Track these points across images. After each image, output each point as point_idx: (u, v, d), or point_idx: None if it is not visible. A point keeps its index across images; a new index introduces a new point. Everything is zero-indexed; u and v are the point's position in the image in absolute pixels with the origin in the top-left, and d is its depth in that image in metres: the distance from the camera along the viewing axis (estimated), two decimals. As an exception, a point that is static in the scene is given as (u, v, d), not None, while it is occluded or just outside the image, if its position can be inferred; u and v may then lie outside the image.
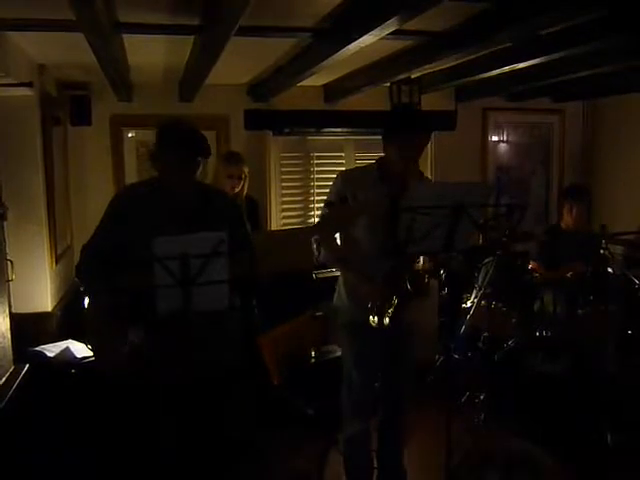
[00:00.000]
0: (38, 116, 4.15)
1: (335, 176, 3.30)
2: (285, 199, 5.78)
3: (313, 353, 4.47)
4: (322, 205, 2.72)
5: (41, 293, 4.23)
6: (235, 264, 2.33)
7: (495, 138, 6.35)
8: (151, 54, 3.99)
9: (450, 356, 4.41)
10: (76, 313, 4.29)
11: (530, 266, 4.74)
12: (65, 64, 4.33)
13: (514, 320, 4.53)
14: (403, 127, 3.02)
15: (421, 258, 3.30)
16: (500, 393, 4.37)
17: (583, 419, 3.97)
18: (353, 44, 3.13)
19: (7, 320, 3.22)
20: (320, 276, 5.22)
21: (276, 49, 3.92)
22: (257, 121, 5.49)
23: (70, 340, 4.07)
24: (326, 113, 5.64)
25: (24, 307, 4.01)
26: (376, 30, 2.87)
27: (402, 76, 4.54)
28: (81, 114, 4.89)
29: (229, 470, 3.20)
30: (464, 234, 2.73)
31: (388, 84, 4.88)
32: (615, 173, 6.18)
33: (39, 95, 4.18)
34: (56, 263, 4.43)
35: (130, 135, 5.34)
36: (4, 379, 3.10)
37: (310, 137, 5.78)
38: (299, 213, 5.85)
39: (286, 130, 5.61)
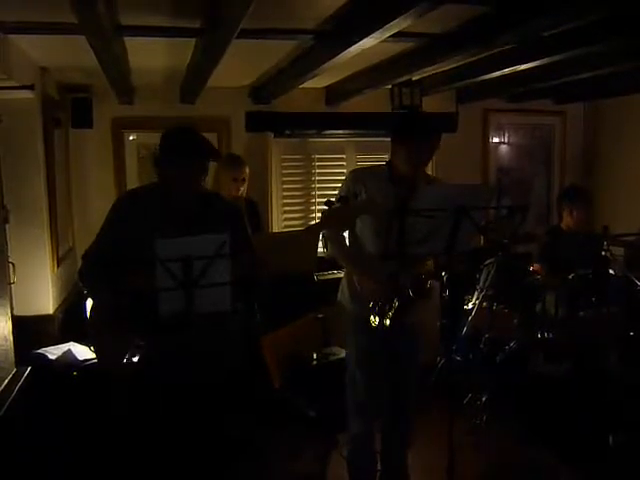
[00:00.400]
0: (40, 119, 4.16)
1: (339, 177, 3.30)
2: (286, 201, 5.79)
3: (314, 355, 4.47)
4: (324, 205, 2.72)
5: (43, 296, 4.24)
6: (237, 266, 2.33)
7: (496, 140, 6.36)
8: (152, 57, 4.00)
9: (452, 358, 4.40)
10: (78, 315, 4.29)
11: (532, 269, 4.74)
12: (67, 67, 4.34)
13: (516, 322, 4.53)
14: (417, 133, 2.99)
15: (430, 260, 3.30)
16: (502, 395, 4.36)
17: (585, 420, 3.96)
18: (354, 46, 3.14)
19: (9, 323, 3.23)
20: (321, 278, 5.23)
21: (277, 51, 3.92)
22: (258, 123, 5.50)
23: (72, 342, 4.07)
24: (327, 115, 5.65)
25: (26, 310, 4.02)
26: (377, 32, 2.87)
27: (403, 78, 4.55)
28: (82, 117, 4.90)
29: (229, 471, 3.21)
30: (466, 236, 2.74)
31: (389, 86, 4.88)
32: (616, 174, 6.18)
33: (41, 98, 4.18)
34: (58, 266, 4.43)
35: (131, 138, 5.35)
36: (6, 382, 3.10)
37: (311, 139, 5.79)
38: (300, 215, 5.85)
39: (287, 132, 5.62)
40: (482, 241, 5.36)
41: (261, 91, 5.25)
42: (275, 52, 3.95)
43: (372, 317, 3.00)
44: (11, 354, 3.24)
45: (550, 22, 2.89)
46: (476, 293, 4.75)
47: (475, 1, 2.94)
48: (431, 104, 5.23)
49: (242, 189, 4.40)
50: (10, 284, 3.33)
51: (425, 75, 4.59)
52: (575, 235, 4.63)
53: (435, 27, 3.36)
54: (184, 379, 2.67)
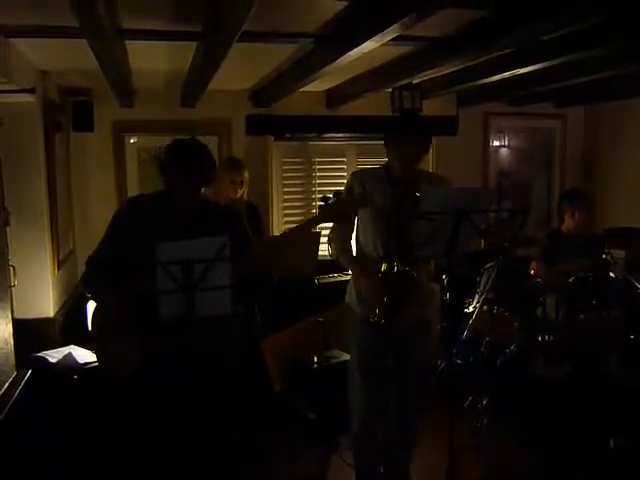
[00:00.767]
0: (41, 122, 4.17)
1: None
2: (287, 204, 5.80)
3: (315, 358, 4.47)
4: (320, 201, 2.77)
5: (43, 299, 4.24)
6: (237, 269, 2.33)
7: (497, 143, 6.36)
8: (153, 60, 4.00)
9: (452, 361, 4.40)
10: (78, 319, 4.29)
11: (533, 272, 4.74)
12: (67, 70, 4.34)
13: (516, 325, 4.53)
14: (399, 132, 3.06)
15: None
16: (502, 398, 4.36)
17: (585, 423, 3.96)
18: (355, 50, 3.14)
19: (9, 326, 3.23)
20: (322, 281, 5.23)
21: (278, 55, 3.93)
22: (259, 126, 5.51)
23: (72, 346, 4.07)
24: (328, 118, 5.66)
25: (26, 313, 4.02)
26: (378, 36, 2.88)
27: (404, 82, 4.55)
28: (83, 120, 4.92)
29: (229, 473, 3.20)
30: (466, 239, 2.75)
31: (390, 90, 4.89)
32: (617, 177, 6.18)
33: (42, 101, 4.19)
34: (58, 269, 4.43)
35: (132, 141, 5.35)
36: (7, 385, 3.10)
37: (312, 142, 5.80)
38: (301, 218, 5.84)
39: (288, 135, 5.63)
40: (483, 244, 5.36)
41: (261, 94, 5.26)
42: (276, 55, 3.96)
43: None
44: (11, 357, 3.23)
45: (550, 26, 2.89)
46: (477, 296, 4.75)
47: (475, 5, 2.95)
48: (432, 107, 5.24)
49: (240, 192, 4.39)
50: (11, 287, 3.33)
51: (425, 78, 4.60)
52: (575, 238, 4.64)
53: (435, 31, 3.37)
54: (184, 380, 2.67)
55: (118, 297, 2.62)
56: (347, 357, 4.54)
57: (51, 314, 4.27)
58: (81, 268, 2.90)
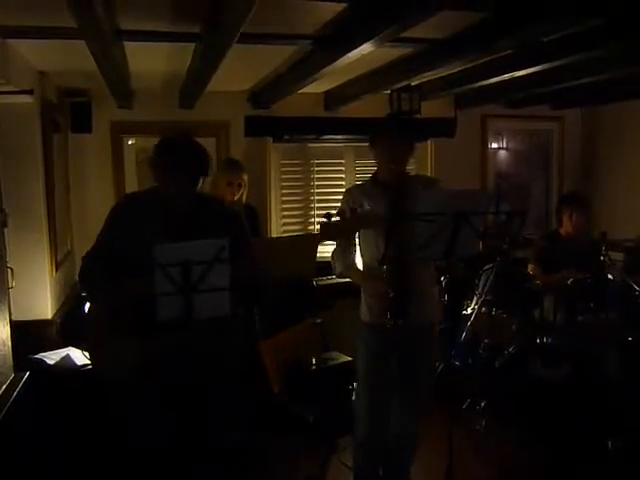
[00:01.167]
0: (39, 123, 4.16)
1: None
2: (285, 206, 5.79)
3: (313, 360, 4.47)
4: (323, 218, 2.76)
5: (41, 300, 4.22)
6: (236, 271, 2.33)
7: (494, 145, 6.37)
8: (152, 61, 4.00)
9: (451, 362, 4.40)
10: (76, 320, 4.28)
11: (530, 271, 4.74)
12: (66, 71, 4.34)
13: (514, 327, 4.53)
14: (385, 132, 3.10)
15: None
16: (501, 399, 4.36)
17: (583, 425, 3.97)
18: (353, 51, 3.14)
19: (7, 328, 3.21)
20: (321, 283, 5.23)
21: (277, 56, 3.93)
22: (257, 128, 5.51)
23: (70, 348, 4.06)
24: (326, 120, 5.65)
25: (24, 314, 4.00)
26: (376, 38, 2.88)
27: (402, 83, 4.55)
28: (81, 121, 4.91)
29: (228, 475, 3.20)
30: (465, 241, 2.74)
31: (388, 91, 4.89)
32: (614, 180, 6.19)
33: (40, 102, 4.18)
34: (56, 270, 4.42)
35: (130, 142, 5.35)
36: (4, 387, 3.09)
37: (310, 144, 5.80)
38: (299, 220, 5.85)
39: (286, 137, 5.62)
40: (481, 246, 5.36)
41: (260, 96, 5.26)
42: (274, 57, 3.95)
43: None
44: (9, 359, 3.22)
45: (548, 28, 2.90)
46: (475, 298, 4.75)
47: (473, 7, 2.95)
48: (430, 109, 5.25)
49: (238, 194, 4.37)
50: (9, 289, 3.32)
51: (424, 80, 4.60)
52: (573, 241, 4.64)
53: (434, 33, 3.37)
54: (182, 382, 2.66)
55: (114, 297, 2.61)
56: (346, 359, 4.56)
57: (49, 316, 4.26)
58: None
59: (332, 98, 5.48)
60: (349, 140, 5.82)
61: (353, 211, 2.79)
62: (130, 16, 2.94)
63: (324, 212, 2.74)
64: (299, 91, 4.64)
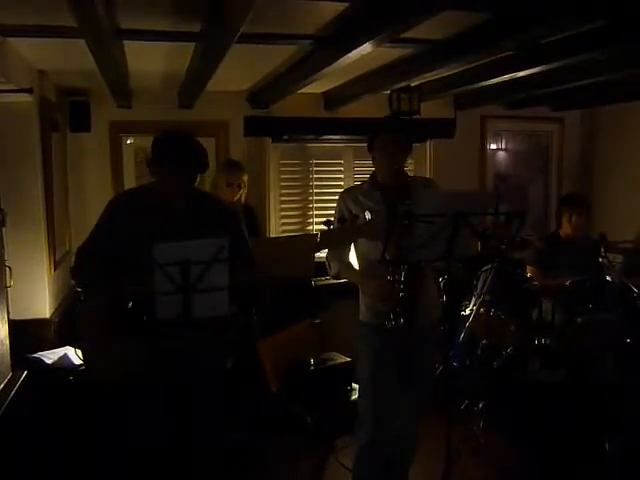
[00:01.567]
0: (38, 122, 4.15)
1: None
2: (284, 206, 5.78)
3: (312, 360, 4.47)
4: (323, 225, 2.76)
5: (39, 299, 4.22)
6: (235, 270, 2.32)
7: (494, 146, 6.37)
8: (151, 61, 3.99)
9: (449, 364, 4.39)
10: (74, 319, 4.27)
11: (528, 273, 4.74)
12: (65, 70, 4.33)
13: (513, 328, 4.52)
14: (382, 132, 3.11)
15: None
16: (499, 401, 4.36)
17: (581, 427, 3.96)
18: (353, 52, 3.14)
19: (5, 327, 3.21)
20: (319, 283, 5.22)
21: (276, 56, 3.92)
22: (257, 128, 5.50)
23: (68, 347, 4.05)
24: (326, 120, 5.65)
25: (22, 314, 3.99)
26: (376, 38, 2.88)
27: (402, 84, 4.56)
28: (80, 120, 4.90)
29: (226, 476, 3.19)
30: (464, 242, 2.74)
31: (388, 92, 4.89)
32: (614, 181, 6.19)
33: (39, 101, 4.17)
34: (54, 269, 4.42)
35: (129, 142, 5.34)
36: (2, 386, 3.09)
37: (309, 144, 5.80)
38: (298, 220, 5.84)
39: (285, 137, 5.62)
40: (480, 247, 5.35)
41: (259, 96, 5.25)
42: (274, 57, 3.95)
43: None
44: (7, 358, 3.22)
45: (549, 29, 2.90)
46: (473, 299, 4.75)
47: (474, 8, 2.95)
48: (429, 110, 5.24)
49: (238, 195, 4.36)
50: (7, 288, 3.32)
51: (424, 81, 4.60)
52: (572, 242, 4.65)
53: (434, 33, 3.37)
54: (180, 382, 2.66)
55: (110, 293, 2.59)
56: (344, 359, 4.56)
57: (47, 315, 4.25)
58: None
59: (332, 98, 5.48)
60: (348, 140, 5.81)
61: (353, 219, 2.79)
62: (130, 15, 2.94)
63: (323, 212, 2.74)
64: (299, 91, 4.64)
